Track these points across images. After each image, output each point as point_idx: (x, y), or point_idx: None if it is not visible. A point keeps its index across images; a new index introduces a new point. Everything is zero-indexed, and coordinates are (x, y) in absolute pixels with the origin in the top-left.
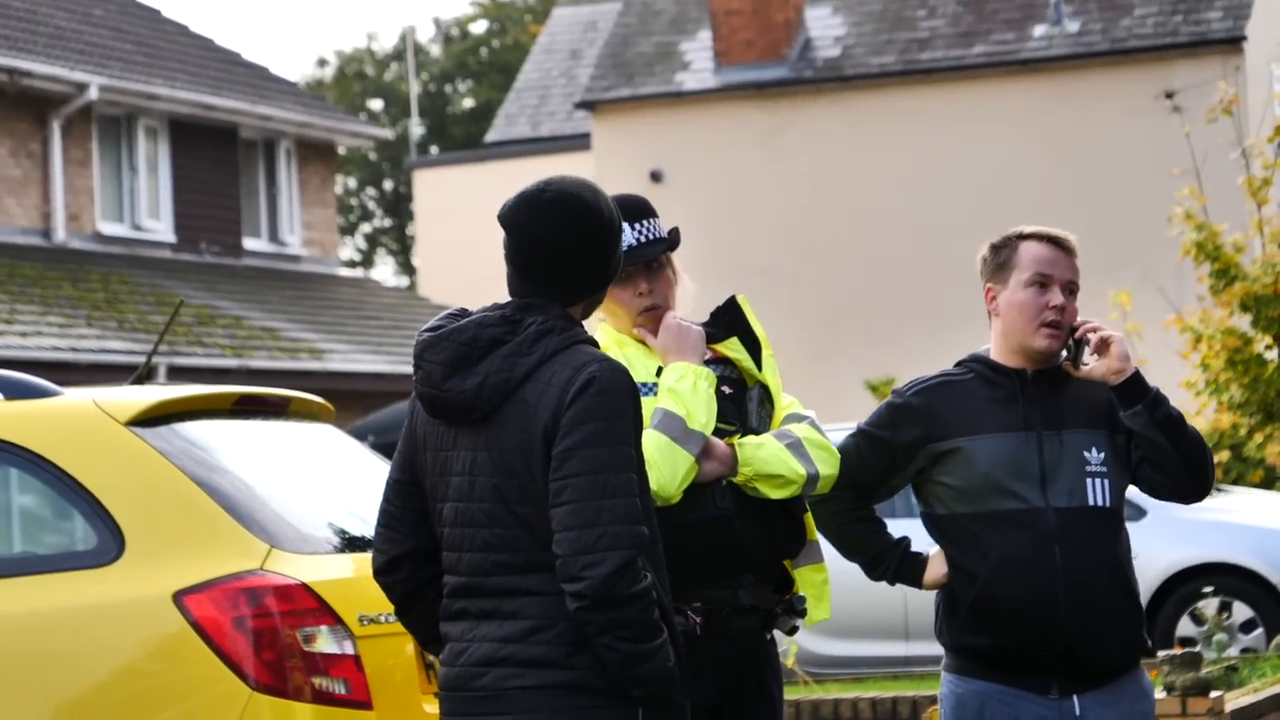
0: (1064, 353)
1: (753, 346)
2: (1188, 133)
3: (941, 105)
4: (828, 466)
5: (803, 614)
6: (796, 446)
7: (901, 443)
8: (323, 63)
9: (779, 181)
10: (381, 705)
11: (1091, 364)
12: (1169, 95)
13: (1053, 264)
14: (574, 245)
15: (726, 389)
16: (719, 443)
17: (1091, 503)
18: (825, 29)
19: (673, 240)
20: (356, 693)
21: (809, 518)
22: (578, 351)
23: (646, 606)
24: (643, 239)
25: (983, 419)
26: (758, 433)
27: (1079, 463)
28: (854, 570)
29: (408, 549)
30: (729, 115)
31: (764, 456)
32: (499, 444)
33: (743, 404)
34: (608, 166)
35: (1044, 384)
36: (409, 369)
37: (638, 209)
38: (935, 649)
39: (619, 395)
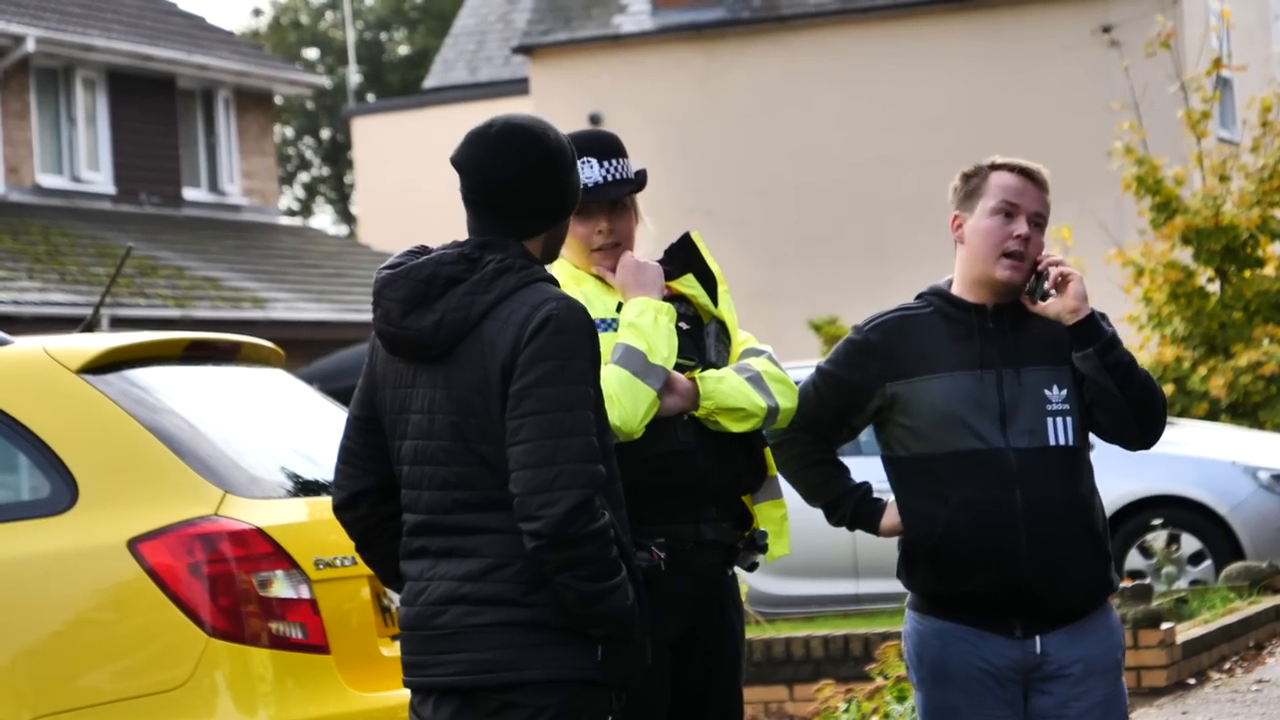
0: (1026, 286)
1: (708, 283)
2: (1126, 67)
3: (879, 44)
4: (787, 400)
5: (764, 549)
6: (756, 380)
7: (859, 381)
8: (258, 12)
9: (718, 123)
10: (339, 649)
11: (1050, 300)
12: (1106, 30)
13: (1020, 193)
14: (523, 177)
15: (684, 325)
16: (680, 377)
17: (1053, 442)
18: None
19: (639, 182)
20: (313, 637)
21: (769, 452)
22: (536, 289)
23: (604, 545)
24: (609, 177)
25: (940, 357)
26: (717, 367)
27: (1039, 401)
28: (803, 508)
29: (367, 485)
30: (667, 57)
31: (725, 390)
32: (457, 382)
33: (700, 340)
34: (546, 110)
35: (1004, 319)
36: (351, 316)
37: (608, 147)
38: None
39: (576, 333)
